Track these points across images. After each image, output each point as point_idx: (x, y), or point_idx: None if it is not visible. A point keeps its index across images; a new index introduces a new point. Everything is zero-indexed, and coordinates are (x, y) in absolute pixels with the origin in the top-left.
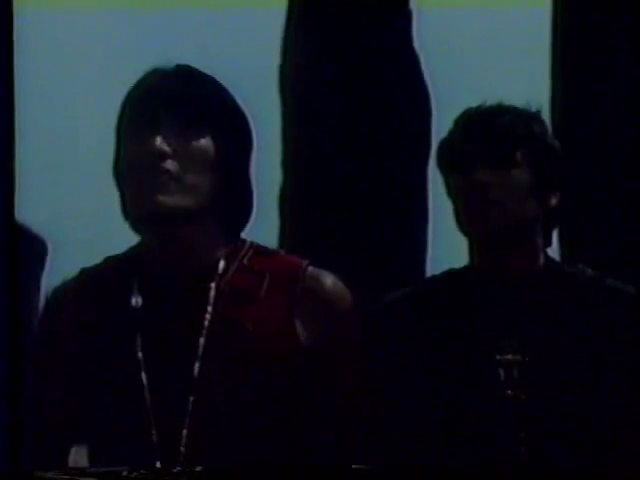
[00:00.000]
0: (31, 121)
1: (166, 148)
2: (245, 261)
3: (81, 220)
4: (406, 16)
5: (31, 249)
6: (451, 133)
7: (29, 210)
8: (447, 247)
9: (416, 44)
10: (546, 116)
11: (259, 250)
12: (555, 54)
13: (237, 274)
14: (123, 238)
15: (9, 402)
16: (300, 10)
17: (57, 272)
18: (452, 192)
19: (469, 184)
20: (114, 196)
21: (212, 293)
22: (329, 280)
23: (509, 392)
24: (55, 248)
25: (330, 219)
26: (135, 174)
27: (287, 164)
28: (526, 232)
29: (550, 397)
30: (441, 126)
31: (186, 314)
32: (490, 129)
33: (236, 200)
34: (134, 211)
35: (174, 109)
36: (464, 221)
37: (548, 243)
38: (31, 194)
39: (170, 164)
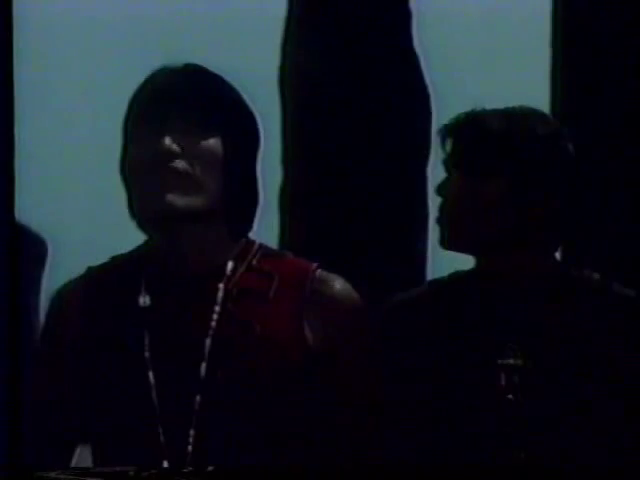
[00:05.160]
0: (31, 121)
1: (175, 147)
2: (254, 262)
3: (81, 220)
4: (406, 16)
5: (31, 249)
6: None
7: (29, 210)
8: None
9: (416, 44)
10: (541, 115)
11: (268, 252)
12: (555, 54)
13: (245, 275)
14: (124, 238)
15: (9, 402)
16: (301, 10)
17: (57, 272)
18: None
19: (449, 194)
20: (115, 196)
21: (220, 294)
22: (338, 283)
23: (510, 396)
24: (55, 248)
25: (330, 219)
26: (143, 173)
27: (287, 164)
28: (526, 237)
29: (551, 402)
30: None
31: (194, 314)
32: (470, 136)
33: (244, 200)
34: (142, 211)
35: (183, 108)
36: (444, 235)
37: (554, 247)
38: (31, 194)
39: (179, 163)
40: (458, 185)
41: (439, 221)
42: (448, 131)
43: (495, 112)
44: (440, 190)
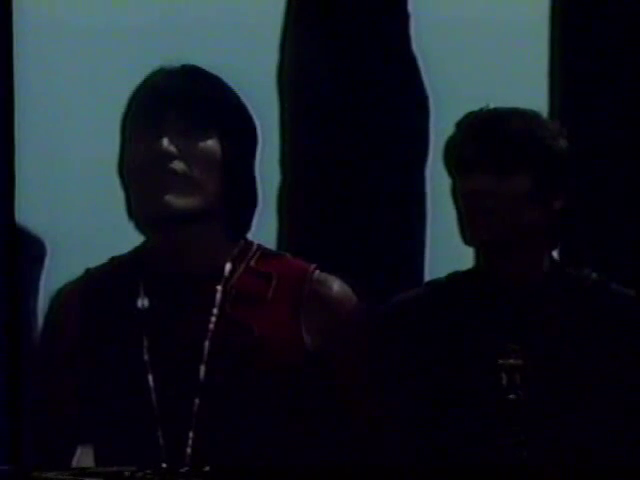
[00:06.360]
0: (31, 121)
1: (173, 149)
2: (252, 263)
3: (81, 221)
4: (405, 17)
5: (31, 250)
6: (454, 137)
7: (29, 211)
8: (447, 248)
9: (415, 45)
10: (543, 116)
11: (266, 253)
12: (554, 55)
13: (244, 276)
14: (123, 239)
15: (9, 402)
16: (299, 10)
17: (56, 273)
18: (456, 197)
19: (471, 192)
20: (114, 197)
21: (218, 295)
22: (336, 284)
23: (511, 396)
24: (55, 249)
25: (328, 220)
26: (142, 174)
27: (285, 164)
28: (529, 238)
29: (552, 401)
30: (440, 127)
31: (192, 316)
32: (492, 134)
33: (242, 201)
34: (140, 212)
35: (180, 109)
36: (467, 231)
37: (553, 246)
38: (31, 194)
39: (177, 164)
40: (482, 182)
41: (466, 217)
42: (469, 129)
43: (509, 111)
44: (463, 188)
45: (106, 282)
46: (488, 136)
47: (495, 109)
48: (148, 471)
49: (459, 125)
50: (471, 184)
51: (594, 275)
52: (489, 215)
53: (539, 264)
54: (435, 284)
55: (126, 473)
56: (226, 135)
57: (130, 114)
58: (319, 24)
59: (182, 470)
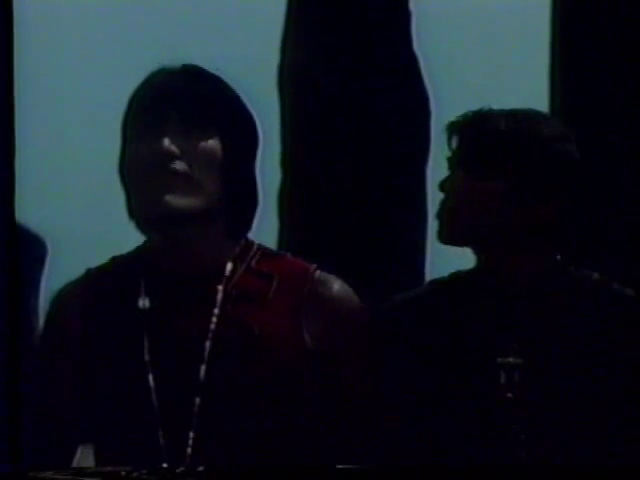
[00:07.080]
0: (31, 121)
1: (174, 149)
2: (253, 263)
3: (81, 220)
4: (405, 16)
5: (31, 249)
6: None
7: (29, 211)
8: (447, 248)
9: (415, 44)
10: (546, 118)
11: (267, 253)
12: (555, 55)
13: (245, 276)
14: (123, 238)
15: (9, 402)
16: (300, 9)
17: (57, 272)
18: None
19: (450, 191)
20: (115, 196)
21: (219, 295)
22: (336, 285)
23: (510, 395)
24: (55, 248)
25: (329, 220)
26: (143, 174)
27: (286, 164)
28: (526, 237)
29: (551, 400)
30: (440, 127)
31: (193, 316)
32: (475, 136)
33: (243, 200)
34: (141, 212)
35: (181, 109)
36: (444, 229)
37: (553, 246)
38: (31, 194)
39: (178, 165)
40: (460, 182)
41: (438, 216)
42: (454, 129)
43: (501, 113)
44: (442, 186)
45: (107, 282)
46: (471, 137)
47: (489, 110)
48: (144, 471)
49: (451, 125)
50: (451, 183)
51: (594, 275)
52: (465, 215)
53: (539, 264)
54: (436, 284)
55: (122, 473)
56: (227, 135)
57: (131, 114)
58: (320, 24)
59: (179, 470)
